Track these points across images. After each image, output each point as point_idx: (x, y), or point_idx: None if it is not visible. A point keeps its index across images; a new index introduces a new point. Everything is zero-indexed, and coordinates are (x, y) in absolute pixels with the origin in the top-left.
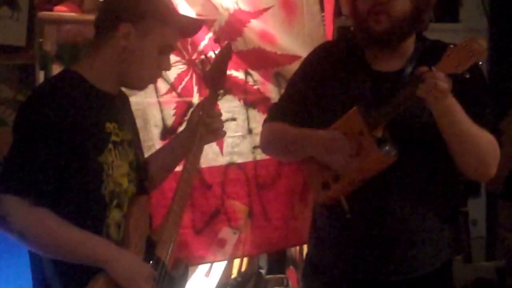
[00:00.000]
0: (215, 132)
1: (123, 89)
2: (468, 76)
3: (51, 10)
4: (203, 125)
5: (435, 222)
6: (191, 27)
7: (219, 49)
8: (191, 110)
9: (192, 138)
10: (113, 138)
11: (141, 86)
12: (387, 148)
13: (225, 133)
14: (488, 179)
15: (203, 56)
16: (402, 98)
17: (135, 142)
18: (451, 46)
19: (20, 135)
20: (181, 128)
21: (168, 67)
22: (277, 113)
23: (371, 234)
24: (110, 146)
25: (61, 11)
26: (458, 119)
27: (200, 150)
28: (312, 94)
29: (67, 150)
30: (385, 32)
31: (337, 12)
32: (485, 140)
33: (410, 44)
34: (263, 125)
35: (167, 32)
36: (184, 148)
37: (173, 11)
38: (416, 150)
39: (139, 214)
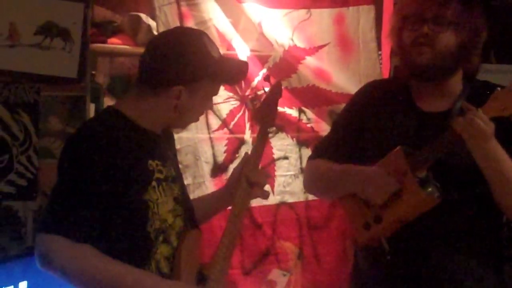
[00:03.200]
0: (257, 186)
1: None
2: None
3: (104, 42)
4: (245, 177)
5: (478, 267)
6: (238, 77)
7: (269, 87)
8: (242, 147)
9: (231, 196)
10: (157, 175)
11: (185, 127)
12: (430, 189)
13: (268, 194)
14: None
15: (251, 95)
16: (446, 140)
17: (181, 178)
18: (499, 88)
19: (64, 174)
20: (232, 165)
21: (211, 107)
22: (321, 151)
23: (412, 278)
24: (154, 183)
25: (115, 43)
26: (500, 164)
27: (244, 203)
28: (356, 132)
29: (111, 190)
30: (428, 65)
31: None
32: None
33: (457, 84)
34: (307, 162)
35: (215, 86)
36: (224, 204)
37: (222, 67)
38: (459, 192)
39: (190, 248)
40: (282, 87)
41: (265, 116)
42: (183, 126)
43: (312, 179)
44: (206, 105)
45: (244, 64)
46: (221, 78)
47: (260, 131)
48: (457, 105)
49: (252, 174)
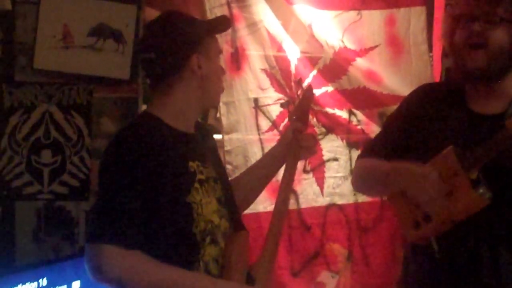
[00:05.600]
0: (308, 149)
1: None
2: None
3: None
4: (295, 141)
5: None
6: (225, 23)
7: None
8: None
9: (286, 153)
10: (198, 176)
11: (216, 103)
12: (481, 190)
13: (315, 151)
14: None
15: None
16: (500, 140)
17: (222, 178)
18: None
19: (106, 182)
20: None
21: (224, 71)
22: (370, 150)
23: (462, 279)
24: (197, 185)
25: None
26: None
27: (294, 167)
28: (407, 133)
29: (155, 194)
30: (482, 69)
31: (446, 52)
32: None
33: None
34: (356, 161)
35: (216, 41)
36: (278, 162)
37: (209, 20)
38: (510, 194)
39: (239, 250)
40: (333, 89)
41: (298, 119)
42: (214, 100)
43: (361, 176)
44: (219, 66)
45: (225, 16)
46: (215, 29)
47: (293, 134)
48: (510, 110)
49: (300, 136)
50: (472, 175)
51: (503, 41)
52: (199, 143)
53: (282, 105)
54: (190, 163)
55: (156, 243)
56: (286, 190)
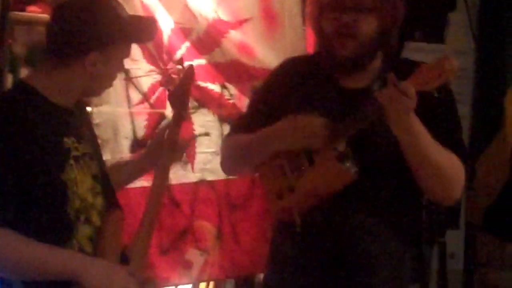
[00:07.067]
0: (177, 152)
1: None
2: (436, 95)
3: (23, 10)
4: (168, 144)
5: (396, 250)
6: (148, 36)
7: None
8: (163, 122)
9: (158, 156)
10: (73, 153)
11: (99, 95)
12: (347, 164)
13: (182, 156)
14: (452, 203)
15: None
16: (366, 112)
17: (98, 153)
18: (422, 63)
19: None
20: None
21: (123, 69)
22: (237, 127)
23: (328, 257)
24: (71, 161)
25: (34, 11)
26: (419, 139)
27: (166, 169)
28: (276, 108)
29: (26, 170)
30: (352, 58)
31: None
32: (449, 163)
33: (377, 61)
34: (222, 140)
35: (128, 47)
36: (149, 164)
37: (133, 26)
38: (379, 171)
39: (112, 229)
40: (205, 62)
41: (178, 99)
42: (99, 93)
43: (229, 154)
44: (120, 68)
45: (153, 21)
46: (133, 38)
47: (174, 114)
48: (376, 83)
49: (174, 137)
50: (340, 148)
51: (372, 31)
52: (76, 117)
53: (162, 84)
54: (65, 139)
55: (28, 221)
56: (162, 179)
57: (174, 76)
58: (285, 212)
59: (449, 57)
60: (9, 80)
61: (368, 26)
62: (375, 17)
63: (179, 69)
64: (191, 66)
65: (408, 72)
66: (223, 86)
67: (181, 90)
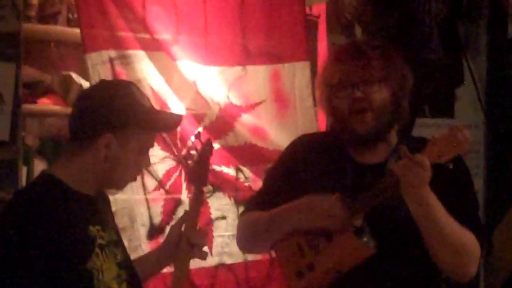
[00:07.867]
0: (197, 247)
1: None
2: (451, 167)
3: (34, 103)
4: (185, 238)
5: None
6: (170, 126)
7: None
8: (179, 208)
9: (174, 251)
10: (99, 241)
11: (122, 187)
12: (365, 239)
13: (206, 254)
14: (467, 280)
15: (184, 151)
16: (382, 187)
17: (121, 241)
18: (436, 136)
19: (2, 249)
20: (168, 227)
21: (148, 164)
22: (253, 205)
23: None
24: (97, 250)
25: (45, 103)
26: (433, 213)
27: (185, 264)
28: (290, 185)
29: (53, 261)
30: (372, 131)
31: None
32: (464, 238)
33: (393, 136)
34: (238, 219)
35: (148, 136)
36: (162, 264)
37: (153, 115)
38: (397, 245)
39: None
40: (219, 146)
41: (198, 175)
42: (119, 185)
43: (245, 232)
44: (141, 159)
45: (178, 115)
46: (153, 126)
47: (195, 191)
48: (391, 159)
49: (191, 234)
50: (357, 223)
51: (385, 100)
52: (100, 205)
53: (180, 161)
54: (91, 228)
55: None
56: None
57: (192, 151)
58: None
59: (461, 128)
60: (23, 172)
61: (381, 96)
62: (385, 87)
63: (196, 143)
64: (209, 140)
65: (421, 148)
66: (238, 169)
67: (199, 165)
